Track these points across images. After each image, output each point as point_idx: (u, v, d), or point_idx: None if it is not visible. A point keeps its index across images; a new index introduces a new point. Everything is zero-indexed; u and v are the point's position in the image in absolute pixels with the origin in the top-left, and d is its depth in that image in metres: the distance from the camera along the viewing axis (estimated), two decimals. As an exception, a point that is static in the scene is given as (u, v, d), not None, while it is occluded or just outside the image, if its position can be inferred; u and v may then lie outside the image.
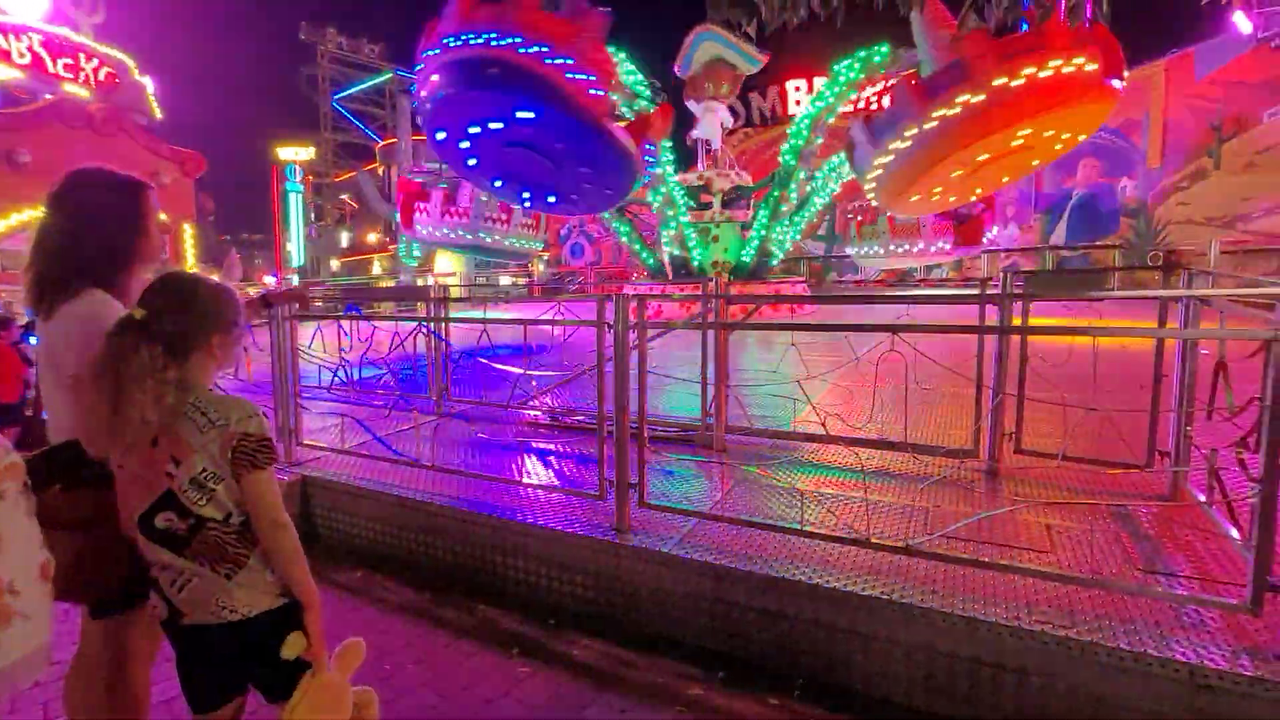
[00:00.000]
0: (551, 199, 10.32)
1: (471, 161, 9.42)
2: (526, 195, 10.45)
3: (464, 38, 7.35)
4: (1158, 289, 12.68)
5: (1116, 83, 7.67)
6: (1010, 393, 3.05)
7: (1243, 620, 1.95)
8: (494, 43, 7.21)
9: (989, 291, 3.82)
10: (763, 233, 13.50)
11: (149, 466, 1.32)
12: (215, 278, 1.59)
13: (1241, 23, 15.00)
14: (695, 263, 13.42)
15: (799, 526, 2.51)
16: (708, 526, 2.75)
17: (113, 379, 1.29)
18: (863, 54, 12.02)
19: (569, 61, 7.25)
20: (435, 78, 7.77)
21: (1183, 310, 2.61)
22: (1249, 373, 2.12)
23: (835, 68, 12.39)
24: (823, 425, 3.13)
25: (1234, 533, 2.33)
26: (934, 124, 8.20)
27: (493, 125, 8.21)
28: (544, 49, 7.19)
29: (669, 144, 12.97)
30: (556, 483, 3.39)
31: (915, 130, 8.42)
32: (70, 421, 1.55)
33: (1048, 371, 3.15)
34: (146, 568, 1.39)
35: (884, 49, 11.79)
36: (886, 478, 3.29)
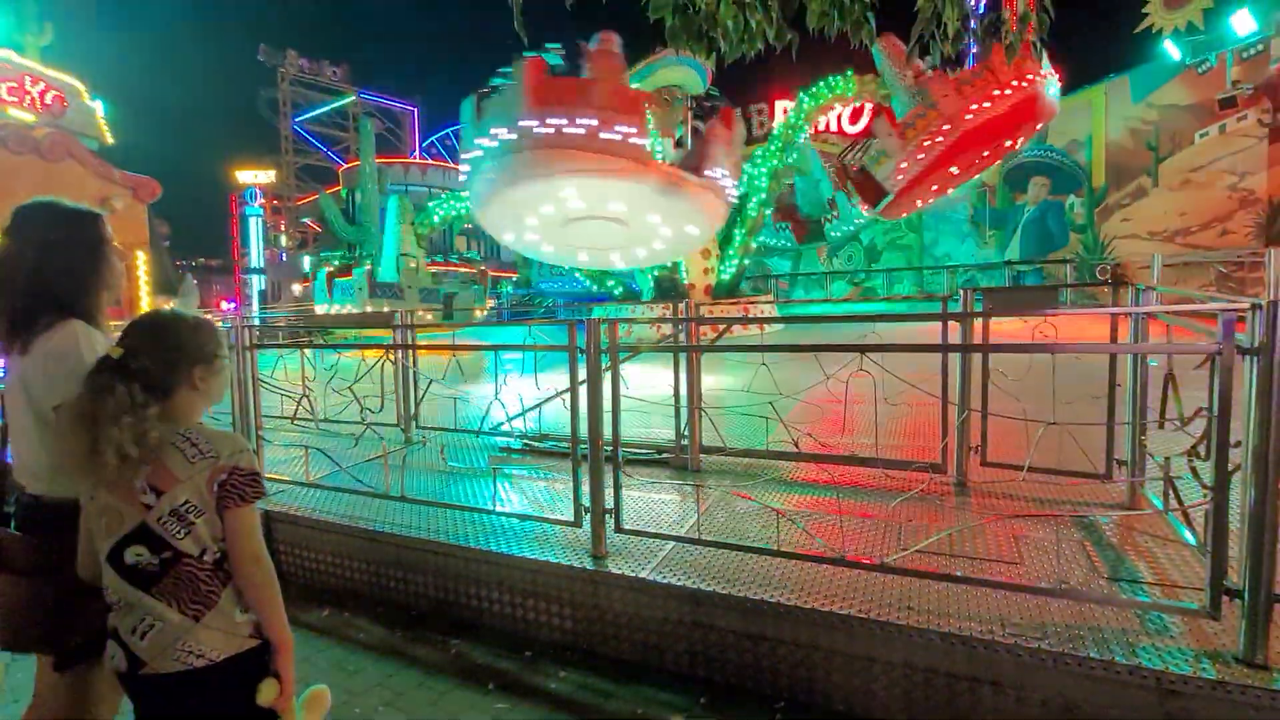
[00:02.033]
0: (641, 252, 10.69)
1: (547, 249, 9.85)
2: (615, 257, 10.83)
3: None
4: (1108, 301, 13.29)
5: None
6: (975, 409, 3.13)
7: (1203, 624, 2.01)
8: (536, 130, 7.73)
9: (950, 309, 3.94)
10: (737, 252, 13.85)
11: (124, 498, 1.28)
12: (171, 304, 1.56)
13: (1173, 49, 15.93)
14: (684, 281, 13.55)
15: (775, 547, 2.52)
16: (685, 550, 2.73)
17: (89, 418, 1.25)
18: (830, 82, 12.72)
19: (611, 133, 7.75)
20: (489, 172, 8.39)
21: (1133, 324, 2.72)
22: (1198, 381, 2.21)
23: (801, 95, 12.99)
24: (795, 445, 3.16)
25: (1190, 538, 2.42)
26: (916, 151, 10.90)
27: (545, 209, 8.67)
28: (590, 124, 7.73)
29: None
30: (531, 510, 3.34)
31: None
32: (44, 459, 1.49)
33: (1009, 385, 3.25)
34: (106, 613, 1.32)
35: (850, 79, 12.63)
36: (859, 494, 3.33)
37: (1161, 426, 2.61)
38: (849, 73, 12.77)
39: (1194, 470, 2.31)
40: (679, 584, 2.47)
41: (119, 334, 1.36)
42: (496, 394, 3.89)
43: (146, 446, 1.25)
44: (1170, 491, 2.47)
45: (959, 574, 2.27)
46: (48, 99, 10.42)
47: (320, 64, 46.45)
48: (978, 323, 3.20)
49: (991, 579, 2.23)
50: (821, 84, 12.94)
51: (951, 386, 3.31)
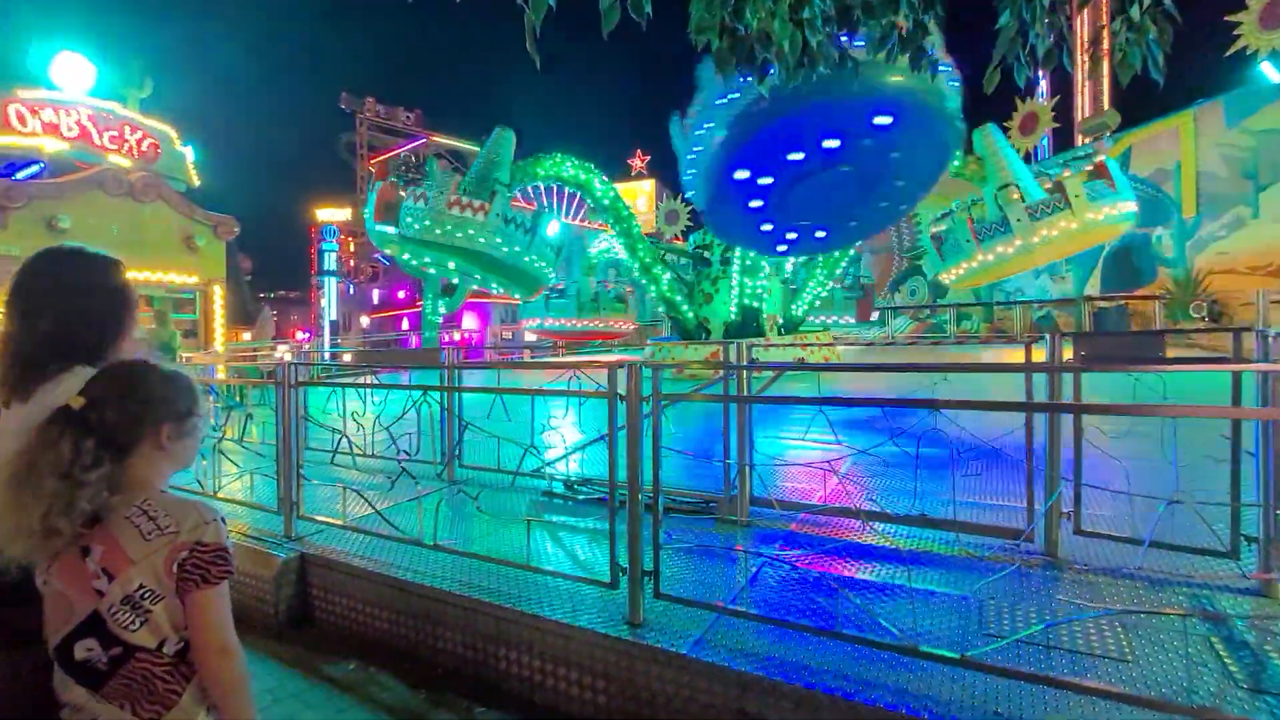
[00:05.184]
0: (853, 224, 10.33)
1: (766, 227, 9.76)
2: (822, 235, 10.49)
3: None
4: (1206, 338, 12.12)
5: None
6: (1066, 477, 2.74)
7: (1388, 766, 1.59)
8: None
9: (1030, 348, 3.54)
10: (816, 290, 13.59)
11: (75, 582, 1.12)
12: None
13: (1271, 72, 14.84)
14: (761, 319, 13.25)
15: (834, 627, 2.21)
16: (731, 623, 2.45)
17: (22, 479, 1.10)
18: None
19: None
20: (719, 136, 8.05)
21: (1265, 382, 2.31)
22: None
23: None
24: (857, 509, 2.84)
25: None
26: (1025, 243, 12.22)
27: (792, 156, 8.22)
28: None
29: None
30: (567, 564, 3.13)
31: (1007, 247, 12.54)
32: None
33: (1107, 443, 2.86)
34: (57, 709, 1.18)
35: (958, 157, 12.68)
36: (930, 564, 2.96)
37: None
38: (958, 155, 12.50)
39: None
40: (722, 664, 2.20)
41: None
42: (533, 438, 3.73)
43: (74, 518, 1.09)
44: (1324, 583, 2.04)
45: (1058, 677, 1.91)
46: (144, 146, 11.30)
47: (395, 109, 49.48)
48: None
49: (1099, 687, 1.85)
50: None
51: (1036, 439, 2.93)
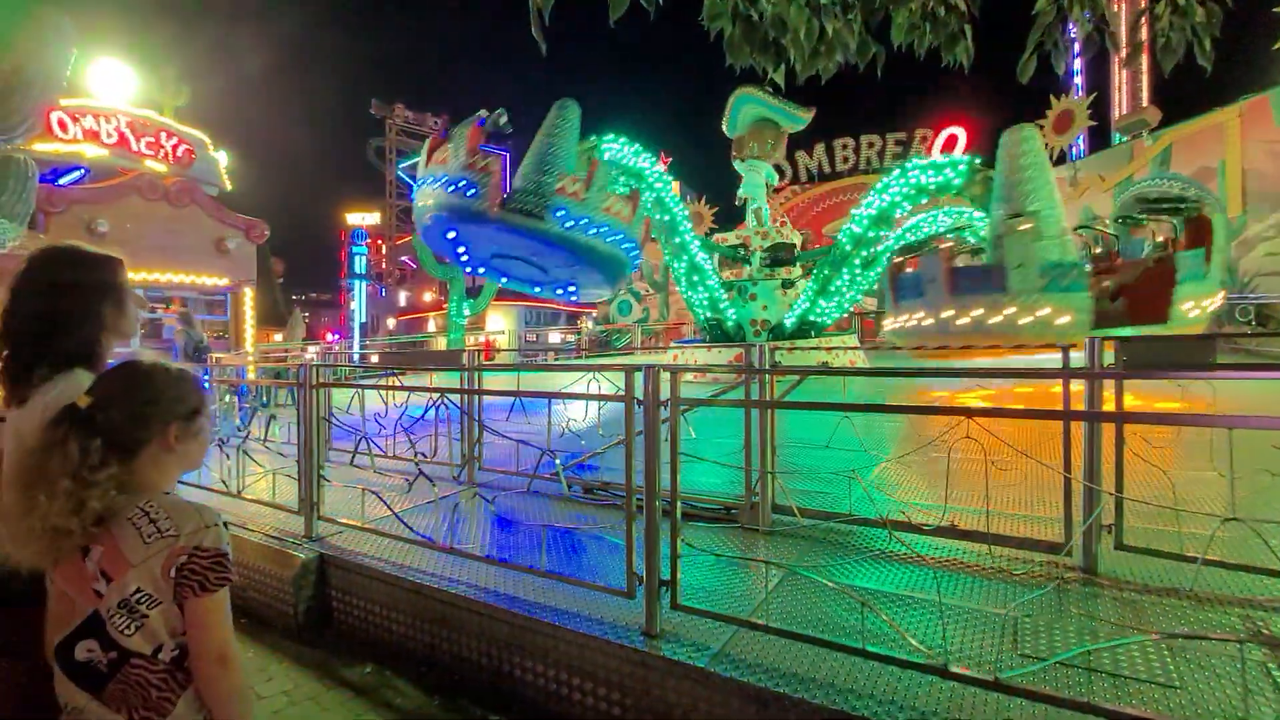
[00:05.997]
0: (571, 288, 10.37)
1: (464, 254, 9.96)
2: (573, 288, 10.65)
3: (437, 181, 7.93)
4: (1255, 342, 11.47)
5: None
6: (1110, 492, 2.60)
7: None
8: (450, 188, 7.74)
9: (1068, 355, 3.39)
10: (806, 306, 12.91)
11: (76, 582, 1.11)
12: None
13: (1322, 65, 14.22)
14: (730, 323, 12.80)
15: (860, 644, 2.11)
16: (752, 635, 2.37)
17: (30, 478, 1.10)
18: (942, 166, 10.17)
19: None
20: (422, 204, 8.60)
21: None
22: None
23: (908, 167, 10.58)
24: (886, 525, 2.73)
25: None
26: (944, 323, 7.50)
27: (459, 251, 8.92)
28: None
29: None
30: (585, 571, 3.08)
31: (932, 321, 7.90)
32: None
33: (1152, 453, 2.71)
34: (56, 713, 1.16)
35: (962, 169, 9.88)
36: (961, 578, 2.83)
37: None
38: (966, 162, 9.80)
39: None
40: (742, 679, 2.12)
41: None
42: (549, 442, 3.68)
43: (85, 518, 1.07)
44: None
45: (1103, 702, 1.79)
46: (179, 152, 11.62)
47: (424, 115, 50.26)
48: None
49: (1145, 715, 1.73)
50: (932, 166, 9.97)
51: (1075, 450, 2.79)
